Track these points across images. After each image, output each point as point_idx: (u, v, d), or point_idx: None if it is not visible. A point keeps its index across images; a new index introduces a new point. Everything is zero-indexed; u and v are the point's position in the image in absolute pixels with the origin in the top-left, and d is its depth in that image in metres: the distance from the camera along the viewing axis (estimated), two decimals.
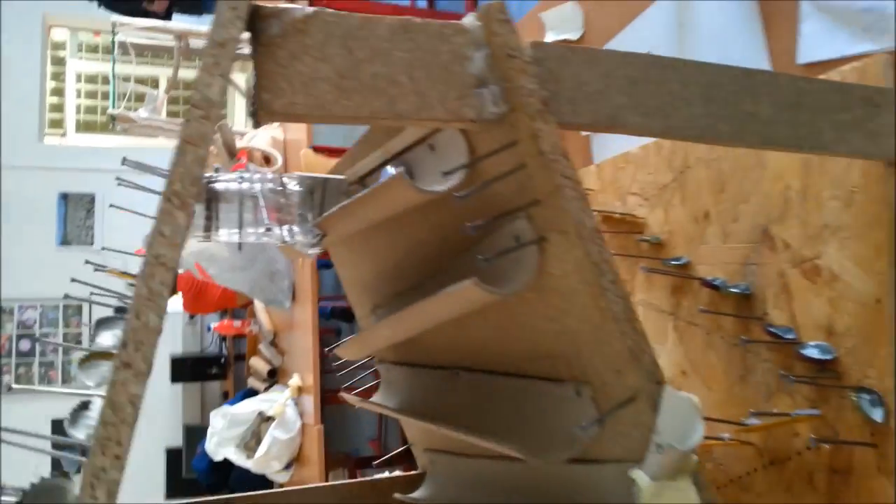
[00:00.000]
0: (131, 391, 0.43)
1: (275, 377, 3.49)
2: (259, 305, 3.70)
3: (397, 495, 1.04)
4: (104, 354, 0.61)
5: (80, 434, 0.54)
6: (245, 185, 0.89)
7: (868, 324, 0.77)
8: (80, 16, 5.92)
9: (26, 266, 4.88)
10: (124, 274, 0.85)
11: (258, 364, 3.67)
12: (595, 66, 0.62)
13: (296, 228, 0.93)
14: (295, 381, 3.02)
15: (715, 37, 1.01)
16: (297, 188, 0.91)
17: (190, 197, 0.46)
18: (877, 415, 0.74)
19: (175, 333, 5.06)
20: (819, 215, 0.83)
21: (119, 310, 0.74)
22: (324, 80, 0.53)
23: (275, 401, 3.01)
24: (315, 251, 0.92)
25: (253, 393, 3.46)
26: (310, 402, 2.96)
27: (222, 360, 4.64)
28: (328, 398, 3.27)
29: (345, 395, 1.08)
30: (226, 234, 0.91)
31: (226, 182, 0.89)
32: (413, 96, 0.56)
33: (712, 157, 0.99)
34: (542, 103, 0.58)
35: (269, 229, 0.89)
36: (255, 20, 0.51)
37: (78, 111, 6.70)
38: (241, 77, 4.46)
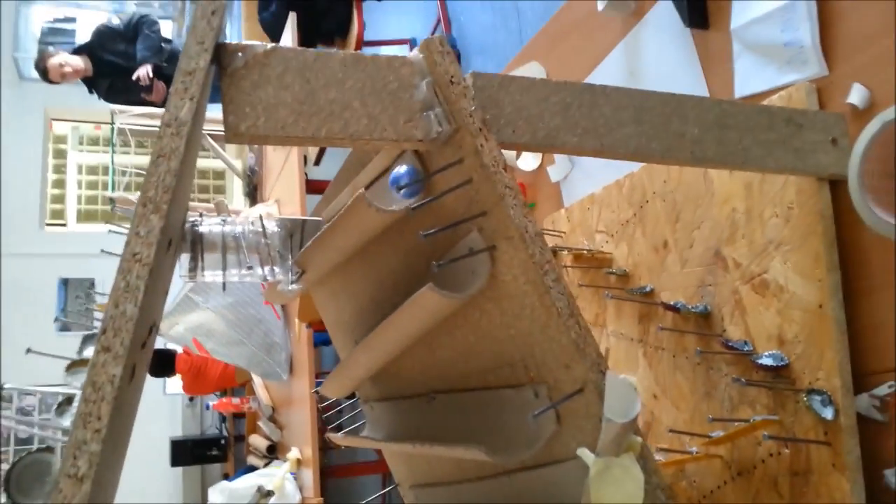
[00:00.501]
0: (110, 371, 0.48)
1: (274, 453, 3.47)
2: (257, 381, 3.72)
3: None
4: (86, 362, 0.65)
5: (65, 422, 0.58)
6: (228, 228, 0.95)
7: (814, 329, 0.82)
8: (80, 109, 6.14)
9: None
10: None
11: (257, 441, 3.65)
12: (531, 92, 0.69)
13: (276, 268, 0.98)
14: (294, 454, 3.01)
15: (661, 80, 1.10)
16: (276, 229, 0.97)
17: (163, 203, 0.52)
18: (827, 413, 0.78)
19: (175, 416, 5.04)
20: (763, 233, 0.89)
21: None
22: (284, 106, 0.60)
23: (274, 475, 2.99)
24: (295, 288, 0.97)
25: (252, 470, 3.43)
26: (309, 476, 2.94)
27: (222, 441, 4.60)
28: (329, 471, 3.24)
29: (331, 436, 1.11)
30: (210, 275, 0.96)
31: (209, 226, 0.95)
32: (365, 119, 0.63)
33: (667, 190, 1.06)
34: (482, 122, 0.64)
35: (250, 268, 0.95)
36: (223, 54, 0.58)
37: (79, 201, 6.86)
38: (238, 162, 4.60)
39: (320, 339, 4.36)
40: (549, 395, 0.67)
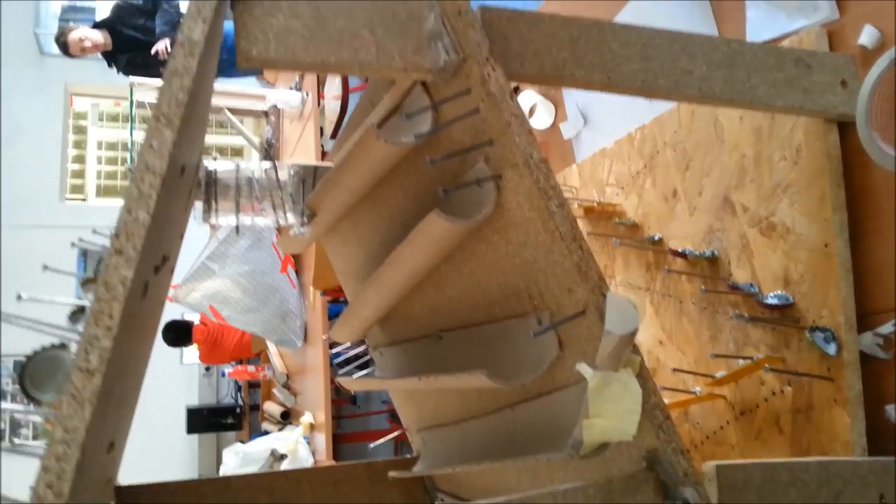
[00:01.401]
0: (122, 273, 0.49)
1: (288, 419, 3.52)
2: (272, 349, 3.76)
3: (392, 473, 1.08)
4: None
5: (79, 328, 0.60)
6: (242, 173, 0.97)
7: (819, 268, 0.82)
8: (100, 85, 6.18)
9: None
10: None
11: (271, 407, 3.70)
12: (539, 27, 0.69)
13: (289, 213, 1.00)
14: (307, 418, 3.05)
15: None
16: (290, 174, 0.98)
17: (175, 117, 0.54)
18: (830, 349, 0.78)
19: (191, 385, 5.11)
20: (771, 176, 0.89)
21: None
22: (294, 33, 0.61)
23: (287, 439, 3.03)
24: (307, 232, 0.99)
25: (266, 435, 3.48)
26: (322, 440, 2.98)
27: (238, 409, 4.67)
28: (341, 438, 3.28)
29: (341, 380, 1.13)
30: (224, 218, 0.98)
31: (223, 169, 0.97)
32: (374, 48, 0.64)
33: (678, 139, 1.06)
34: (489, 52, 0.65)
35: (263, 210, 0.96)
36: None
37: (98, 177, 6.93)
38: (255, 138, 4.62)
39: (334, 310, 4.40)
40: (552, 321, 0.69)
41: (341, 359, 1.12)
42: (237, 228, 0.98)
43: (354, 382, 1.11)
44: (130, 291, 0.50)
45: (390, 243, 0.97)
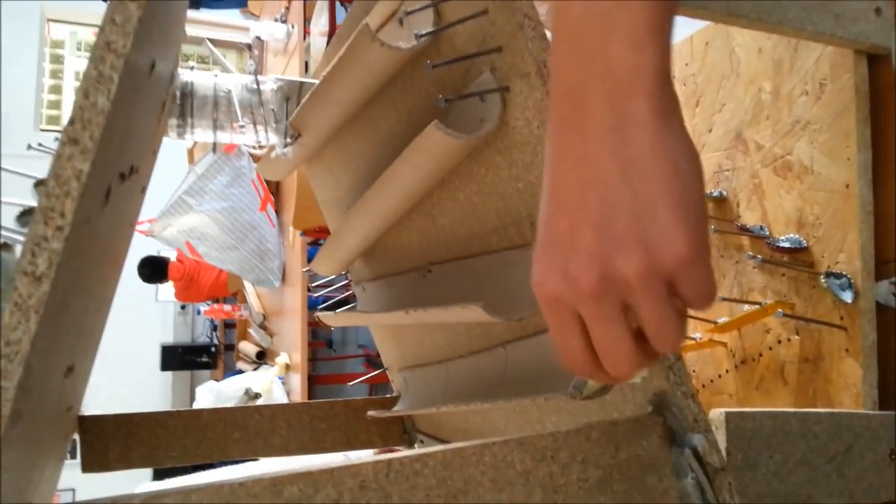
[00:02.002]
0: (77, 166, 0.43)
1: (263, 359, 3.48)
2: (249, 288, 3.70)
3: (371, 412, 1.04)
4: None
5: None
6: (220, 82, 0.89)
7: (838, 210, 0.77)
8: (79, 11, 5.94)
9: None
10: None
11: (247, 347, 3.66)
12: None
13: (270, 133, 0.92)
14: (283, 359, 3.01)
15: None
16: (272, 87, 0.91)
17: None
18: (846, 296, 0.74)
19: (166, 322, 5.05)
20: (790, 112, 0.83)
21: None
22: None
23: (262, 379, 3.00)
24: (290, 154, 0.92)
25: (241, 374, 3.44)
26: (297, 381, 2.95)
27: (213, 348, 4.62)
28: (316, 379, 3.25)
29: (321, 314, 1.07)
30: (200, 134, 0.90)
31: (200, 79, 0.89)
32: None
33: (688, 74, 0.99)
34: None
35: (242, 128, 0.89)
36: None
37: None
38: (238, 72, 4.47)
39: (314, 252, 4.34)
40: None
41: (324, 305, 1.06)
42: (214, 147, 0.91)
43: (335, 318, 1.05)
44: (87, 189, 0.43)
45: (379, 169, 0.90)
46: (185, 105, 0.88)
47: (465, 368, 0.86)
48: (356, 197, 0.99)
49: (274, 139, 0.93)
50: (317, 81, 0.93)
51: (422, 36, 0.61)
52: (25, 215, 0.62)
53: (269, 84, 0.91)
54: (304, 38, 3.40)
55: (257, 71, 3.72)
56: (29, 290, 0.41)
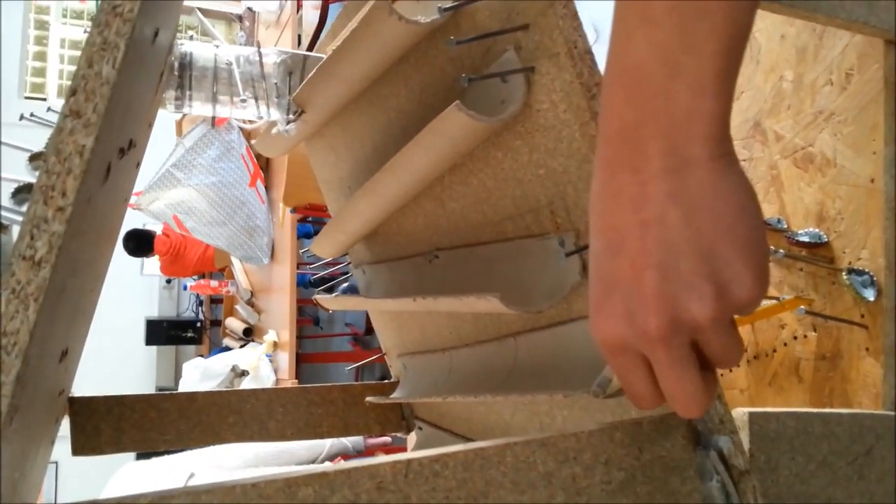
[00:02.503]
0: (79, 141, 0.39)
1: (250, 336, 3.45)
2: (237, 265, 3.66)
3: (370, 398, 1.01)
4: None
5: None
6: (220, 54, 0.85)
7: (861, 205, 0.75)
8: None
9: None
10: None
11: (233, 324, 3.62)
12: None
13: (272, 107, 0.89)
14: (271, 336, 2.98)
15: None
16: (275, 60, 0.87)
17: None
18: (869, 294, 0.72)
19: (151, 297, 4.99)
20: (812, 103, 0.81)
21: None
22: None
23: (250, 356, 2.97)
24: (292, 130, 0.88)
25: (228, 351, 3.41)
26: (285, 359, 2.92)
27: (198, 324, 4.58)
28: (303, 358, 3.23)
29: (319, 298, 1.04)
30: (198, 107, 0.87)
31: (200, 50, 0.85)
32: None
33: None
34: None
35: (244, 101, 0.85)
36: None
37: (60, 76, 6.59)
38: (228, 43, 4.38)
39: (303, 230, 4.29)
40: (577, 244, 0.60)
41: (323, 287, 1.03)
42: (213, 121, 0.87)
43: (335, 301, 1.02)
44: (90, 166, 0.40)
45: (385, 150, 0.87)
46: (184, 77, 0.84)
47: (471, 357, 0.84)
48: (359, 177, 0.96)
49: (276, 115, 0.89)
50: (322, 56, 0.89)
51: (446, 10, 0.57)
52: (21, 192, 0.58)
53: (271, 57, 0.88)
54: (298, 10, 3.33)
55: (251, 43, 3.65)
56: (28, 275, 0.37)
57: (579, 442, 0.51)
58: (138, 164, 0.87)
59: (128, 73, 0.45)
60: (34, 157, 0.64)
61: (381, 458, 0.46)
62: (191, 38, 0.86)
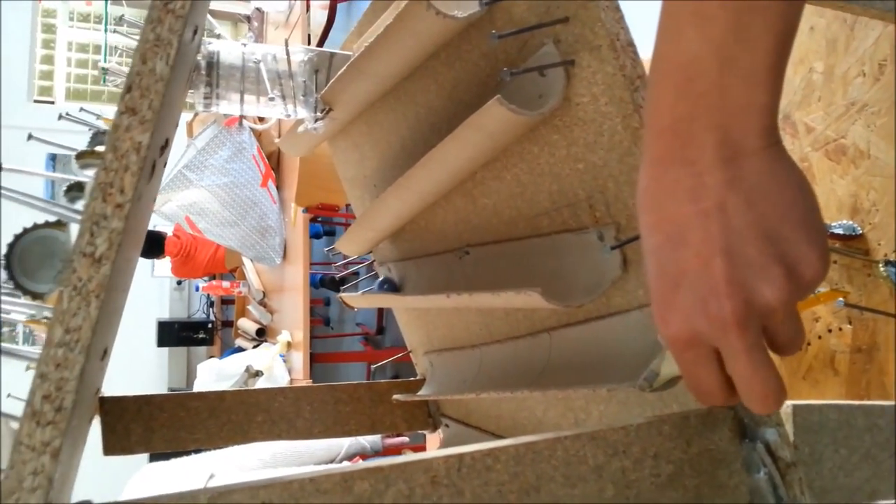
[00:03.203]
0: (135, 138, 0.39)
1: (263, 336, 3.45)
2: (249, 265, 3.66)
3: (397, 396, 1.01)
4: (98, 154, 0.57)
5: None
6: (248, 52, 0.85)
7: None
8: None
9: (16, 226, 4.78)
10: None
11: (246, 324, 3.63)
12: None
13: (299, 105, 0.89)
14: (285, 336, 2.98)
15: None
16: (303, 58, 0.87)
17: None
18: None
19: (162, 298, 5.01)
20: (844, 94, 0.80)
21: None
22: None
23: (264, 356, 2.97)
24: (320, 128, 0.88)
25: (241, 352, 3.42)
26: (299, 359, 2.93)
27: (210, 325, 4.59)
28: (315, 358, 3.23)
29: (344, 296, 1.04)
30: (226, 106, 0.87)
31: (227, 48, 0.85)
32: None
33: None
34: None
35: (272, 99, 0.85)
36: None
37: (68, 80, 6.61)
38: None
39: (315, 229, 4.29)
40: (618, 238, 0.60)
41: (347, 286, 1.03)
42: (241, 120, 0.87)
43: (360, 299, 1.02)
44: (145, 163, 0.40)
45: (414, 146, 0.87)
46: (212, 76, 0.84)
47: (503, 353, 0.84)
48: (385, 174, 0.96)
49: (302, 113, 0.89)
50: (349, 53, 0.89)
51: (488, 2, 0.57)
52: (72, 190, 0.59)
53: (298, 55, 0.88)
54: (307, 10, 3.33)
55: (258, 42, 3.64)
56: (88, 272, 0.37)
57: (628, 435, 0.51)
58: (165, 163, 0.87)
59: (176, 71, 0.45)
60: (80, 156, 0.65)
61: (434, 453, 0.46)
62: (218, 37, 0.86)
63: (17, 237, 0.46)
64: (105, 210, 0.38)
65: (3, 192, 0.47)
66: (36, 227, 0.46)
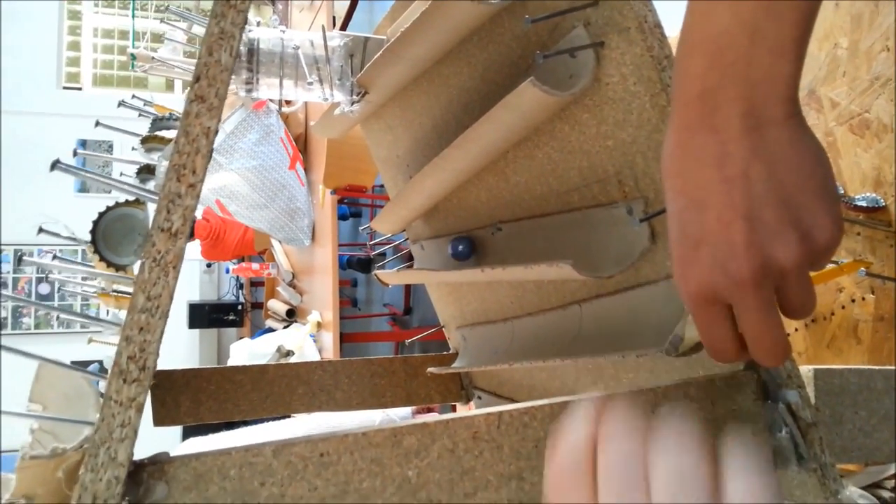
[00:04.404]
0: (205, 123, 0.43)
1: (293, 317, 3.52)
2: (278, 247, 3.73)
3: (431, 369, 1.05)
4: (160, 139, 0.61)
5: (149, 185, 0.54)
6: (287, 38, 0.89)
7: None
8: None
9: (45, 213, 4.90)
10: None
11: (276, 305, 3.70)
12: None
13: (335, 89, 0.92)
14: (315, 317, 3.04)
15: None
16: (339, 43, 0.90)
17: None
18: None
19: (192, 281, 5.10)
20: (868, 69, 0.82)
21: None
22: None
23: (295, 336, 3.03)
24: (356, 111, 0.92)
25: (272, 332, 3.49)
26: (329, 339, 2.98)
27: (240, 307, 4.67)
28: (345, 338, 3.29)
29: (379, 273, 1.08)
30: (266, 91, 0.90)
31: (267, 35, 0.88)
32: None
33: None
34: None
35: (311, 84, 0.89)
36: None
37: (94, 66, 6.69)
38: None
39: (343, 211, 4.34)
40: (646, 211, 0.63)
41: (381, 264, 1.07)
42: (280, 104, 0.91)
43: (394, 275, 1.06)
44: (211, 146, 0.44)
45: (447, 127, 0.90)
46: (252, 62, 0.88)
47: (534, 326, 0.87)
48: (417, 154, 0.99)
49: (339, 96, 0.93)
50: (383, 38, 0.92)
51: None
52: (142, 172, 0.63)
53: (334, 40, 0.91)
54: None
55: (284, 26, 3.67)
56: (166, 245, 0.41)
57: (656, 396, 0.54)
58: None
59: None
60: (145, 140, 0.69)
61: (476, 411, 0.49)
62: (258, 23, 0.89)
63: (102, 214, 0.50)
64: (180, 189, 0.42)
65: (85, 174, 0.51)
66: (118, 204, 0.50)
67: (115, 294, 0.69)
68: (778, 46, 0.37)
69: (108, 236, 0.52)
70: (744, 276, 0.38)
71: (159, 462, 0.42)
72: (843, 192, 0.83)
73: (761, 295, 0.39)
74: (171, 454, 0.45)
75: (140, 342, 0.40)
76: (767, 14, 0.37)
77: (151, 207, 0.45)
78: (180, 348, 4.95)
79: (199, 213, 4.13)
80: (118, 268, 0.58)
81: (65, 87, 6.36)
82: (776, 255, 0.38)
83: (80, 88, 6.53)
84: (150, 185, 0.61)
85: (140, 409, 0.41)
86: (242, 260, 4.52)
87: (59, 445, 0.40)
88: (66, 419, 0.44)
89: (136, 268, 0.52)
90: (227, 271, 4.42)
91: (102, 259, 0.57)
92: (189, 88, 0.43)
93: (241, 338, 4.91)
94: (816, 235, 0.38)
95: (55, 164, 0.47)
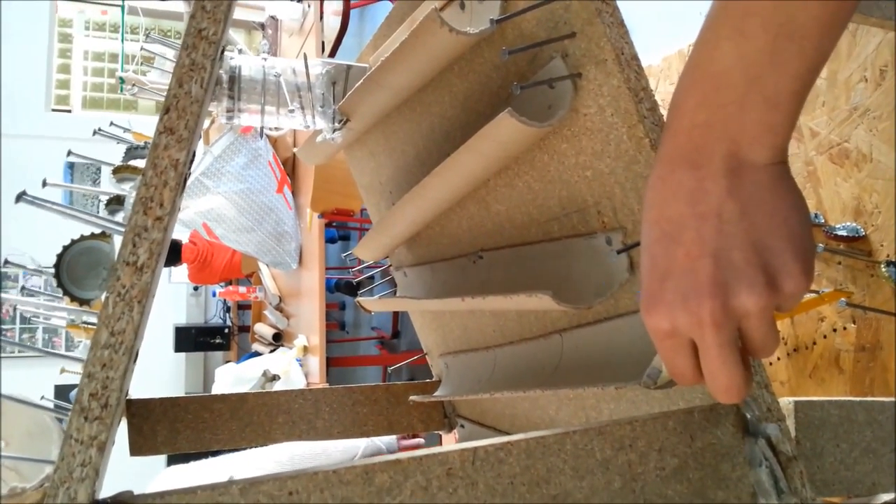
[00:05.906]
0: (173, 156, 0.42)
1: (279, 341, 3.49)
2: (265, 270, 3.71)
3: (413, 397, 1.04)
4: (135, 169, 0.60)
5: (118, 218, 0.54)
6: (269, 66, 0.89)
7: None
8: None
9: (32, 233, 4.86)
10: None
11: (263, 329, 3.67)
12: None
13: (317, 116, 0.92)
14: (301, 341, 3.02)
15: None
16: (321, 71, 0.90)
17: None
18: None
19: (179, 304, 5.07)
20: (847, 99, 0.83)
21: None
22: None
23: (281, 360, 3.01)
24: (338, 138, 0.92)
25: (258, 356, 3.46)
26: (315, 363, 2.96)
27: (226, 330, 4.64)
28: (331, 362, 3.27)
29: (362, 300, 1.07)
30: (247, 118, 0.90)
31: (248, 62, 0.88)
32: None
33: None
34: None
35: (292, 112, 0.89)
36: None
37: (84, 88, 6.69)
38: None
39: (330, 234, 4.33)
40: (625, 242, 0.63)
41: (364, 290, 1.06)
42: (262, 131, 0.91)
43: (376, 303, 1.05)
44: (181, 178, 0.43)
45: (428, 155, 0.90)
46: (234, 89, 0.88)
47: (516, 355, 0.86)
48: (400, 181, 0.99)
49: (321, 123, 0.92)
50: (366, 66, 0.92)
51: (498, 21, 0.60)
52: (111, 203, 0.62)
53: (316, 68, 0.91)
54: (321, 17, 3.38)
55: (274, 51, 3.68)
56: (131, 280, 0.41)
57: (634, 430, 0.53)
58: (189, 176, 0.91)
59: (208, 90, 0.49)
60: (118, 170, 0.68)
61: (450, 447, 0.48)
62: (240, 51, 0.89)
63: (66, 248, 0.49)
64: (146, 222, 0.41)
65: (49, 206, 0.50)
66: (82, 238, 0.50)
67: (83, 326, 0.69)
68: (774, 97, 0.36)
69: (72, 269, 0.51)
70: (704, 314, 0.38)
71: (122, 502, 0.41)
72: (823, 221, 0.83)
73: (720, 334, 0.38)
74: (137, 492, 0.44)
75: (103, 379, 0.39)
76: (771, 60, 0.36)
77: (118, 240, 0.45)
78: (166, 372, 4.90)
79: (186, 237, 4.11)
80: (82, 302, 0.58)
81: (54, 110, 6.35)
82: (740, 296, 0.37)
83: (69, 111, 6.52)
84: (120, 216, 0.60)
85: (102, 448, 0.40)
86: (230, 283, 4.49)
87: (17, 485, 0.39)
88: (27, 458, 0.42)
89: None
90: (214, 295, 4.40)
91: (66, 293, 0.57)
92: (158, 120, 0.43)
93: (227, 361, 4.86)
94: (783, 281, 0.37)
95: (20, 197, 0.46)
